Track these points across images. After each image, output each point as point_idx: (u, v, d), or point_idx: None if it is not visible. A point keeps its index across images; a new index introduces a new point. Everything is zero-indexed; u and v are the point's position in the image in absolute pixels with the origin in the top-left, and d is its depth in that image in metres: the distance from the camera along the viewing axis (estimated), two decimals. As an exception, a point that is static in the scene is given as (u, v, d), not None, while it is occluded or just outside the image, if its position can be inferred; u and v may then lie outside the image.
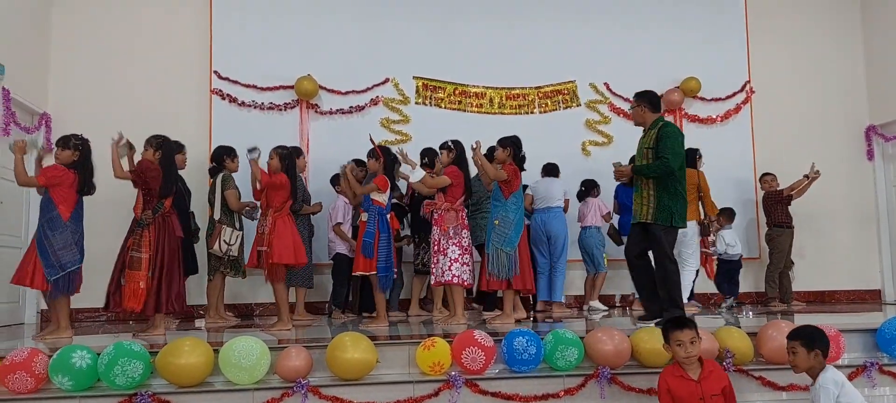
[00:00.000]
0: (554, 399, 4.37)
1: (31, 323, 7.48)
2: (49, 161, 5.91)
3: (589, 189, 7.84)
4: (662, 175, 5.41)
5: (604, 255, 7.71)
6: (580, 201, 7.89)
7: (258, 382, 4.22)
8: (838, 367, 4.63)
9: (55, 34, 7.97)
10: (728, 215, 7.95)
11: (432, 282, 6.30)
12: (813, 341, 3.80)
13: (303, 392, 4.13)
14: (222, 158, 6.84)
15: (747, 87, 9.10)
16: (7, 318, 7.12)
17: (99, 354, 4.09)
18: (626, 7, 8.99)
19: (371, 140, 6.27)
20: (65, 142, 5.64)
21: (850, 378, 4.60)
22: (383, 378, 4.42)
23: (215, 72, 8.08)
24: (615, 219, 7.84)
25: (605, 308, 7.79)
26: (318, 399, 4.19)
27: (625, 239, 7.39)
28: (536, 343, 4.43)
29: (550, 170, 7.60)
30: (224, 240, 6.46)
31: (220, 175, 6.70)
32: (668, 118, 8.87)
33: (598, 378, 4.38)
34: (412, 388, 4.30)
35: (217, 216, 6.59)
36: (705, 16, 9.13)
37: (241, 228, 6.73)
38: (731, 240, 7.91)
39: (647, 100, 5.68)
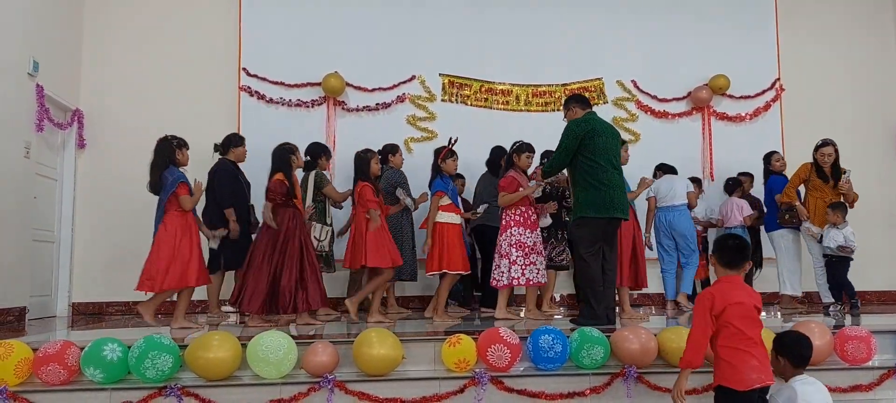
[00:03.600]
0: (580, 397, 4.36)
1: (62, 316, 7.61)
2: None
3: (731, 188, 7.81)
4: (553, 169, 5.86)
5: None
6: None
7: (285, 377, 4.25)
8: (869, 369, 4.60)
9: (87, 32, 8.10)
10: (842, 210, 7.10)
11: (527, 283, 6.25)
12: (782, 348, 3.76)
13: (329, 387, 4.16)
14: (319, 155, 6.81)
15: (777, 84, 8.99)
16: (39, 311, 7.25)
17: (129, 347, 4.16)
18: (654, 3, 8.92)
19: (451, 142, 6.46)
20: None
21: (881, 379, 4.54)
22: (409, 374, 4.43)
23: (244, 69, 8.16)
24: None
25: None
26: (344, 395, 4.21)
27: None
28: (562, 341, 4.41)
29: (670, 168, 7.63)
30: (315, 237, 6.49)
31: (314, 172, 6.67)
32: (696, 116, 8.86)
33: (625, 377, 4.36)
34: (438, 385, 4.31)
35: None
36: (734, 11, 9.01)
37: (331, 224, 6.78)
38: (852, 237, 7.00)
39: (574, 101, 5.91)
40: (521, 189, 6.12)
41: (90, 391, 4.13)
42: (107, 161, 7.90)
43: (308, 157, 6.75)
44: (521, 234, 6.09)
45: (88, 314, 7.71)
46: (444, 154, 6.49)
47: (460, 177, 7.42)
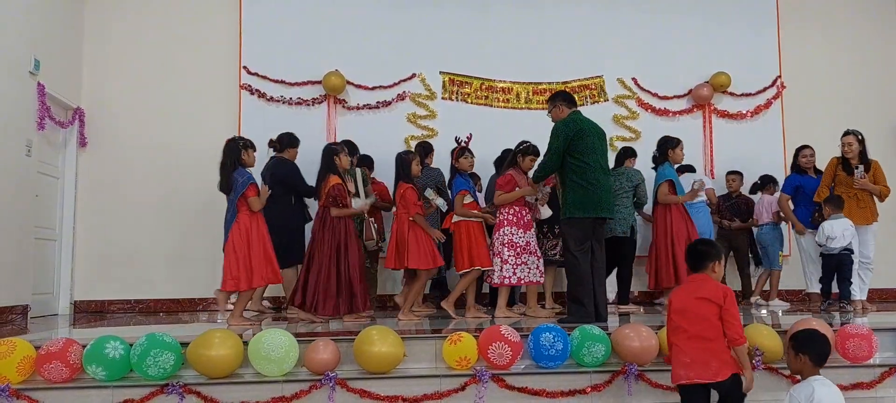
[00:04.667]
0: (581, 395, 4.37)
1: (64, 314, 7.62)
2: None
3: (762, 186, 7.90)
4: (545, 173, 5.85)
5: (780, 253, 7.67)
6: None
7: (287, 374, 4.26)
8: (870, 367, 4.60)
9: (88, 30, 8.10)
10: (833, 204, 6.89)
11: (537, 281, 6.28)
12: (801, 345, 3.71)
13: (331, 384, 4.17)
14: (352, 156, 6.86)
15: (778, 82, 8.98)
16: (41, 309, 7.26)
17: (131, 345, 4.17)
18: (654, 0, 8.91)
19: (466, 139, 6.52)
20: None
21: (882, 377, 4.54)
22: (410, 372, 4.44)
23: (244, 67, 8.16)
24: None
25: (787, 304, 7.62)
26: (345, 392, 4.23)
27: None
28: (563, 339, 4.42)
29: (688, 167, 7.77)
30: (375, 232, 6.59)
31: (360, 171, 6.67)
32: (697, 114, 8.85)
33: (626, 375, 4.37)
34: (439, 382, 4.32)
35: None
36: (735, 9, 8.98)
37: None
38: (832, 232, 6.75)
39: (560, 98, 5.93)
40: (517, 189, 6.13)
41: (92, 388, 4.14)
42: (108, 159, 7.91)
43: None
44: (513, 233, 6.09)
45: (90, 312, 7.72)
46: (459, 152, 6.52)
47: (475, 175, 7.39)
